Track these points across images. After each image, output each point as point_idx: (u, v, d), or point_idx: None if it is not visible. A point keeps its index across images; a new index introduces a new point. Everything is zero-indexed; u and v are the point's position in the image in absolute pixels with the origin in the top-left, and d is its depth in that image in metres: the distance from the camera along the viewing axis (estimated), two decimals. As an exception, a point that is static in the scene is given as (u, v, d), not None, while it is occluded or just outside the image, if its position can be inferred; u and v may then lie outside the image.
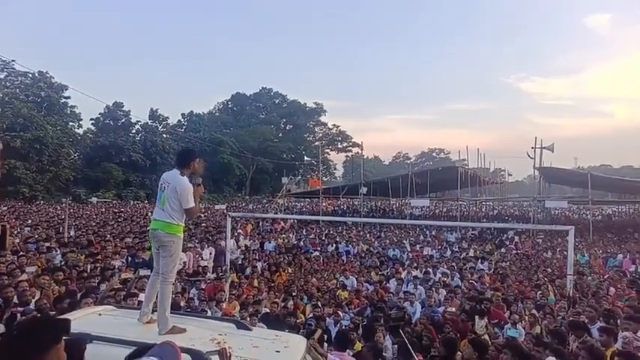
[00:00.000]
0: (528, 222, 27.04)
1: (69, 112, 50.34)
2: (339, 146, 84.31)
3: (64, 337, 1.98)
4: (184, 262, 11.68)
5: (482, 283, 12.18)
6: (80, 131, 52.85)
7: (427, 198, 35.69)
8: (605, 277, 13.54)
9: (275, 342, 3.45)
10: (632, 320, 5.92)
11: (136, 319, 3.78)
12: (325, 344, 6.49)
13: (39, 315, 5.67)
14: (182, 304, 7.69)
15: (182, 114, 67.88)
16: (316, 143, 76.07)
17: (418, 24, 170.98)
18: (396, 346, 6.89)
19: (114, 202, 42.12)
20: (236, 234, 18.35)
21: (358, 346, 6.55)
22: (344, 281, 11.90)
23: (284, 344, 3.42)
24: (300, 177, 67.13)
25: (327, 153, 78.98)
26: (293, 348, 3.41)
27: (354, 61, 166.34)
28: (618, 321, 6.60)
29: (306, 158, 58.03)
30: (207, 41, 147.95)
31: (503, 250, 20.21)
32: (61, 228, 18.21)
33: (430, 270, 13.53)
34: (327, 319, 7.99)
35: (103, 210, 33.55)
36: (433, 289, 10.85)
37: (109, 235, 16.84)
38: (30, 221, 22.41)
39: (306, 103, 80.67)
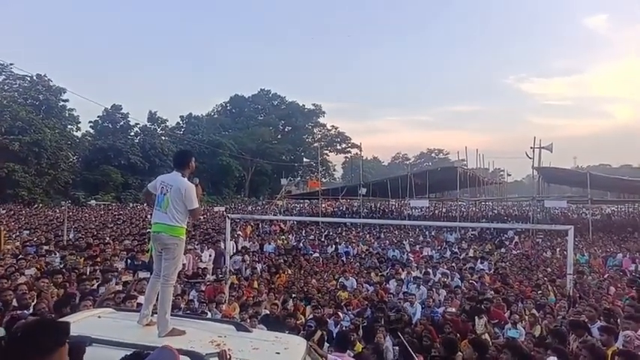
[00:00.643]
0: (528, 222, 27.06)
1: (67, 115, 50.16)
2: (338, 147, 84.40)
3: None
4: (184, 264, 11.66)
5: (482, 283, 12.18)
6: (79, 134, 52.72)
7: (426, 198, 35.68)
8: (605, 276, 13.54)
9: (275, 344, 3.45)
10: (633, 319, 5.92)
11: (136, 322, 3.77)
12: (326, 344, 6.47)
13: (41, 318, 5.64)
14: (182, 305, 7.67)
15: (181, 116, 67.71)
16: (315, 144, 76.28)
17: (418, 25, 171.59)
18: (397, 347, 6.89)
19: (113, 204, 42.12)
20: (235, 236, 18.35)
21: (358, 347, 6.54)
22: (344, 282, 11.89)
23: (284, 346, 3.41)
24: (299, 178, 67.18)
25: (326, 154, 79.21)
26: (293, 349, 3.40)
27: (353, 63, 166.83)
28: (618, 320, 6.61)
29: (305, 159, 58.08)
30: (205, 43, 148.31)
31: (502, 250, 20.21)
32: (60, 231, 18.19)
33: (430, 270, 13.52)
34: (328, 320, 7.97)
35: (102, 213, 33.53)
36: (433, 289, 10.85)
37: (108, 238, 16.83)
38: (29, 224, 22.40)
39: (304, 105, 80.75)
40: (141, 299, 5.56)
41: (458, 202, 34.11)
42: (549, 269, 14.92)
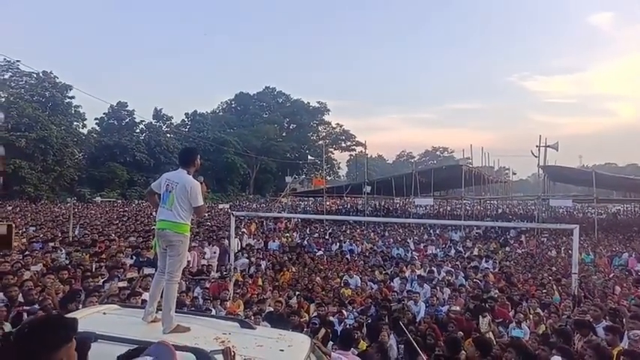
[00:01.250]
0: (533, 221, 26.96)
1: (73, 112, 50.49)
2: (343, 145, 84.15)
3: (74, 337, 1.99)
4: (188, 261, 11.70)
5: (486, 282, 12.14)
6: (84, 131, 53.11)
7: (431, 197, 35.61)
8: (611, 275, 13.47)
9: (279, 341, 3.45)
10: (638, 319, 5.88)
11: (141, 318, 3.78)
12: (330, 343, 6.48)
13: (49, 313, 5.68)
14: (187, 302, 7.70)
15: (186, 113, 67.76)
16: (320, 142, 76.07)
17: (422, 23, 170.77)
18: (402, 346, 6.88)
19: (118, 201, 42.33)
20: (240, 233, 18.40)
21: (363, 345, 6.54)
22: (348, 280, 11.90)
23: (288, 343, 3.41)
24: (303, 176, 67.17)
25: (331, 152, 78.97)
26: (297, 347, 3.40)
27: (358, 61, 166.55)
28: (624, 320, 6.57)
29: (309, 157, 58.09)
30: (210, 41, 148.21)
31: (507, 248, 20.13)
32: (66, 227, 18.29)
33: (434, 269, 13.49)
34: (332, 318, 7.97)
35: (108, 209, 33.71)
36: (437, 287, 10.82)
37: (113, 235, 16.89)
38: (35, 221, 22.55)
39: (309, 103, 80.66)
40: (146, 296, 5.58)
41: (463, 200, 33.97)
42: (554, 268, 14.87)
